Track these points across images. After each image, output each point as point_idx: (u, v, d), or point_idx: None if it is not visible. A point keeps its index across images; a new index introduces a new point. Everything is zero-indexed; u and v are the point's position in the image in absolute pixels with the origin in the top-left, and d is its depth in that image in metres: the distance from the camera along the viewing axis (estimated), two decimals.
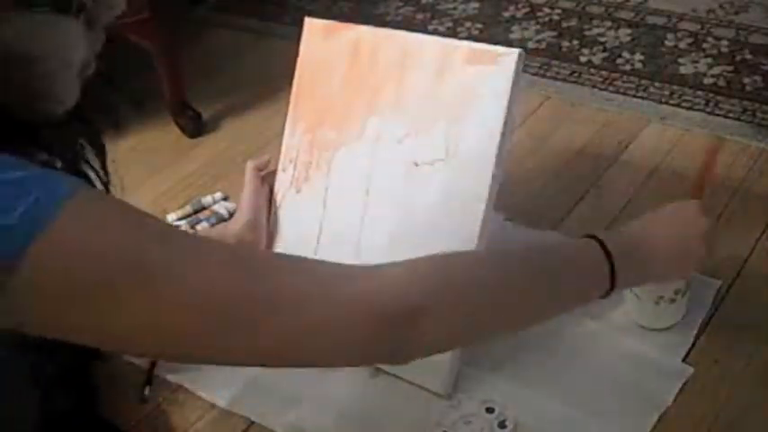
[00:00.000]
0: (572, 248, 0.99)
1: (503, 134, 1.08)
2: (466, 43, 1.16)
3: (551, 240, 1.37)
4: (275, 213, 1.28)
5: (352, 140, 1.22)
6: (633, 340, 1.18)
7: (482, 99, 1.10)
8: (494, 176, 1.09)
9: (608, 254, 0.96)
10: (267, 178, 1.30)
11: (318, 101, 1.25)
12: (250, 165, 1.28)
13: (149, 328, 0.69)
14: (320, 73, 1.25)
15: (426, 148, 1.15)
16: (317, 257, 1.24)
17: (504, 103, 1.08)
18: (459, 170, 1.12)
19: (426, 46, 1.16)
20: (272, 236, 1.28)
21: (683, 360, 1.15)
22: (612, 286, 0.97)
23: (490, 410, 1.11)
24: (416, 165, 1.16)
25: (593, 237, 0.98)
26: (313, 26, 1.27)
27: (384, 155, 1.19)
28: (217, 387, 1.19)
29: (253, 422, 1.15)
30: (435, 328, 0.81)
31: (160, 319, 0.69)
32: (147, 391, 1.19)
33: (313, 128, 1.26)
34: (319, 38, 1.26)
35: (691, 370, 1.13)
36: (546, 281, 0.93)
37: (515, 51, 1.08)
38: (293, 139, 1.28)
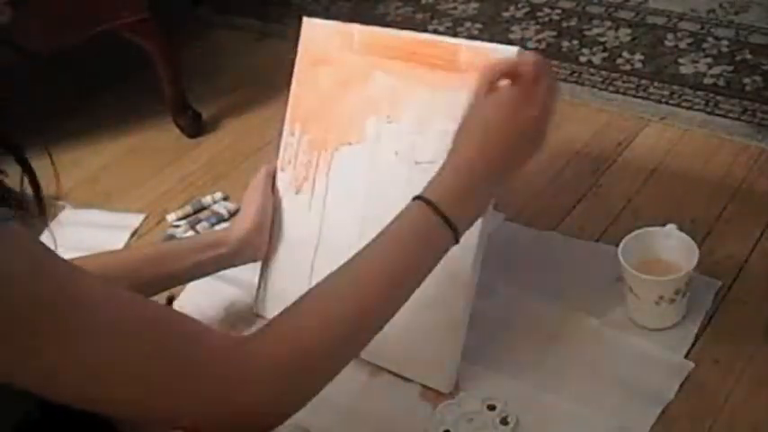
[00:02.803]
0: (408, 229, 0.94)
1: None
2: (465, 41, 1.16)
3: (555, 241, 1.37)
4: (275, 214, 1.28)
5: (352, 140, 1.22)
6: (634, 338, 1.19)
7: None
8: None
9: (445, 218, 0.93)
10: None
11: (317, 101, 1.25)
12: (263, 170, 1.27)
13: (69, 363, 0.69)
14: (318, 72, 1.25)
15: (426, 146, 1.15)
16: (316, 259, 1.25)
17: None
18: None
19: (425, 45, 1.16)
20: (271, 237, 1.27)
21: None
22: (457, 239, 0.95)
23: (492, 408, 1.12)
24: (417, 164, 1.16)
25: (422, 198, 0.94)
26: (311, 26, 1.27)
27: (384, 154, 1.19)
28: None
29: None
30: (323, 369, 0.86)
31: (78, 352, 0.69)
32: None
33: (312, 128, 1.26)
34: (317, 37, 1.26)
35: (691, 365, 1.14)
36: (400, 277, 0.92)
37: (514, 49, 1.08)
38: (292, 139, 1.28)
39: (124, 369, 0.72)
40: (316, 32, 1.26)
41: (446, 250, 0.96)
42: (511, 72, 0.98)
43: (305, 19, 1.28)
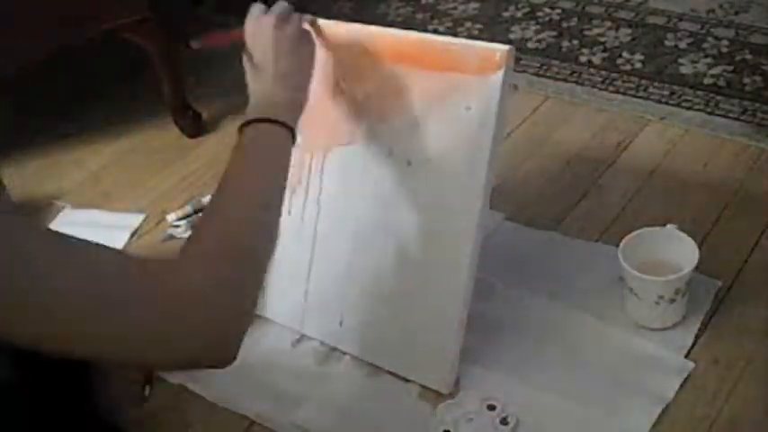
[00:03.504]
0: (242, 153, 1.01)
1: (496, 130, 1.08)
2: (457, 40, 1.16)
3: (555, 241, 1.37)
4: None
5: (344, 141, 1.22)
6: (634, 338, 1.19)
7: (474, 95, 1.09)
8: (488, 172, 1.09)
9: (263, 120, 1.03)
10: None
11: (310, 101, 1.25)
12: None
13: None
14: (315, 71, 1.24)
15: (419, 146, 1.15)
16: (313, 259, 1.25)
17: (497, 98, 1.08)
18: (453, 167, 1.12)
19: (419, 44, 1.16)
20: None
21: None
22: (293, 135, 1.04)
23: (491, 408, 1.12)
24: (409, 164, 1.16)
25: (241, 126, 1.04)
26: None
27: (377, 154, 1.18)
28: (217, 387, 1.19)
29: (253, 422, 1.15)
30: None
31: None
32: (147, 392, 1.19)
33: (304, 130, 1.25)
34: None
35: (691, 365, 1.14)
36: (260, 196, 0.97)
37: (505, 48, 1.08)
38: None
39: (66, 309, 0.76)
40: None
41: (288, 143, 1.03)
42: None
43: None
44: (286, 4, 1.14)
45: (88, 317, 0.76)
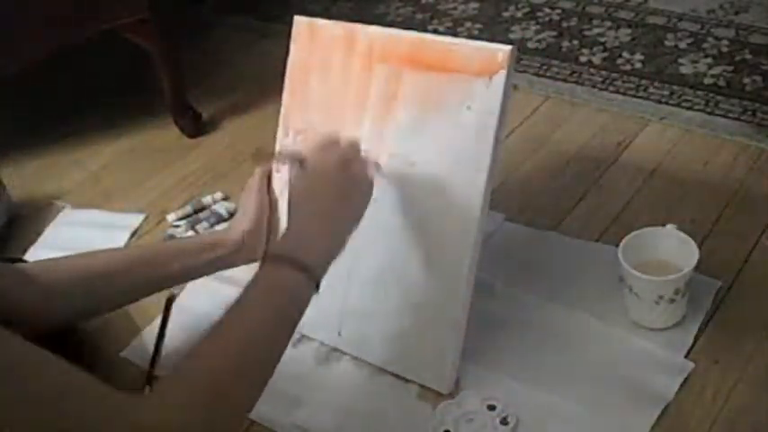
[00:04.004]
0: (262, 283, 0.96)
1: (497, 130, 1.08)
2: (458, 40, 1.16)
3: (555, 241, 1.37)
4: (272, 215, 1.28)
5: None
6: (634, 338, 1.19)
7: (476, 95, 1.09)
8: (490, 173, 1.09)
9: (292, 260, 0.96)
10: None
11: (311, 100, 1.25)
12: (258, 171, 1.28)
13: None
14: (312, 72, 1.25)
15: (421, 147, 1.15)
16: None
17: (499, 99, 1.08)
18: (454, 168, 1.12)
19: (420, 44, 1.16)
20: (269, 237, 1.27)
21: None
22: (317, 287, 0.98)
23: (492, 408, 1.12)
24: (411, 164, 1.15)
25: (275, 259, 0.97)
26: (302, 25, 1.26)
27: (379, 155, 1.18)
28: None
29: (253, 422, 1.15)
30: None
31: None
32: (147, 392, 1.19)
33: (306, 128, 1.26)
34: (310, 36, 1.25)
35: (691, 365, 1.14)
36: (276, 340, 0.94)
37: (507, 48, 1.08)
38: (286, 140, 1.28)
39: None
40: (307, 31, 1.25)
41: (308, 293, 0.97)
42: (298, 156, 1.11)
43: (295, 18, 1.27)
44: (358, 143, 1.10)
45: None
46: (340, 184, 1.04)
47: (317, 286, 0.98)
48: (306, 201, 1.04)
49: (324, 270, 0.99)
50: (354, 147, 1.10)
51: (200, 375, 0.85)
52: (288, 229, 1.03)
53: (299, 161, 1.10)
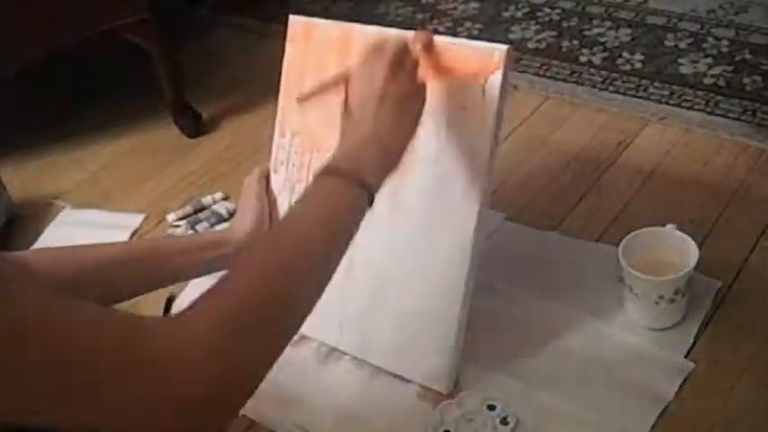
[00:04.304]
0: (321, 196, 0.92)
1: (495, 130, 1.08)
2: (455, 40, 1.16)
3: (555, 241, 1.37)
4: (272, 215, 1.28)
5: None
6: (634, 338, 1.19)
7: (473, 95, 1.09)
8: (487, 172, 1.09)
9: (348, 175, 0.92)
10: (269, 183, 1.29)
11: (305, 106, 1.24)
12: (257, 171, 1.28)
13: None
14: (307, 72, 1.24)
15: (418, 146, 1.14)
16: None
17: (496, 98, 1.08)
18: (452, 166, 1.12)
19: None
20: None
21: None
22: (371, 202, 0.94)
23: (491, 408, 1.12)
24: (408, 164, 1.15)
25: (330, 173, 0.93)
26: (298, 25, 1.26)
27: None
28: None
29: (253, 422, 1.15)
30: (245, 377, 0.77)
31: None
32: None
33: (303, 128, 1.26)
34: (305, 36, 1.25)
35: (692, 365, 1.14)
36: (324, 239, 0.89)
37: (504, 48, 1.08)
38: (283, 140, 1.28)
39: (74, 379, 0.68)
40: (302, 30, 1.25)
41: (363, 208, 0.94)
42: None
43: (291, 17, 1.27)
44: (406, 41, 1.04)
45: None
46: (391, 94, 0.99)
47: (371, 202, 0.94)
48: (358, 115, 1.00)
49: (378, 186, 0.95)
50: (402, 50, 1.03)
51: (237, 294, 0.78)
52: (341, 143, 0.99)
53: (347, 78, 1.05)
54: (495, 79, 1.07)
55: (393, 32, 1.14)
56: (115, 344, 0.71)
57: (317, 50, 1.24)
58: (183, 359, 0.72)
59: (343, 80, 1.05)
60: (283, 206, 1.27)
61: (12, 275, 0.74)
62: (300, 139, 1.26)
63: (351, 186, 0.92)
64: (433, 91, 1.12)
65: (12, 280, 0.73)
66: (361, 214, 0.93)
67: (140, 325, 0.74)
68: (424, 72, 1.09)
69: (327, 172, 0.93)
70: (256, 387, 0.78)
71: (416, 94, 1.03)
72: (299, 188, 1.25)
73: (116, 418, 0.70)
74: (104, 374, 0.69)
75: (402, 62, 1.02)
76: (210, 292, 0.78)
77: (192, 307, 0.76)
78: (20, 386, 0.66)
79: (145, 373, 0.70)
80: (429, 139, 1.13)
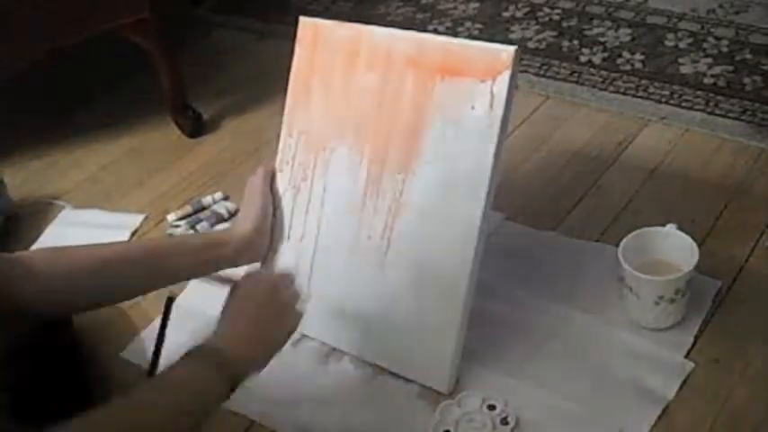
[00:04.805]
0: (177, 387, 0.95)
1: (502, 130, 1.08)
2: (462, 41, 1.16)
3: (555, 241, 1.37)
4: (275, 214, 1.28)
5: (349, 140, 1.22)
6: (634, 338, 1.19)
7: (480, 96, 1.10)
8: (492, 173, 1.09)
9: (226, 371, 0.96)
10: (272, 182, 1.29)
11: (314, 101, 1.25)
12: (261, 170, 1.28)
13: None
14: (316, 72, 1.25)
15: (424, 146, 1.15)
16: (315, 258, 1.24)
17: (503, 99, 1.08)
18: (457, 168, 1.12)
19: (423, 44, 1.16)
20: (272, 237, 1.27)
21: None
22: (233, 387, 0.97)
23: (492, 408, 1.12)
24: (413, 164, 1.15)
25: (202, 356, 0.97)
26: (307, 25, 1.27)
27: (381, 155, 1.18)
28: None
29: (253, 422, 1.15)
30: None
31: None
32: None
33: (309, 128, 1.26)
34: (314, 37, 1.25)
35: (691, 365, 1.14)
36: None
37: (512, 49, 1.08)
38: (290, 140, 1.28)
39: None
40: (312, 32, 1.26)
41: (223, 396, 0.96)
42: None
43: (301, 18, 1.27)
44: (292, 277, 1.12)
45: None
46: (267, 306, 1.06)
47: (233, 389, 0.97)
48: (237, 312, 1.05)
49: (243, 376, 0.99)
50: (286, 278, 1.11)
51: None
52: (217, 333, 1.03)
53: (232, 282, 1.11)
54: (503, 79, 1.08)
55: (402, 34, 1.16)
56: None
57: (324, 51, 1.24)
58: None
59: (230, 282, 1.10)
60: (287, 206, 1.27)
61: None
62: (306, 138, 1.26)
63: (216, 373, 0.95)
64: (441, 91, 1.12)
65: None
66: (219, 403, 0.96)
67: None
68: (433, 73, 1.10)
69: (198, 355, 0.96)
70: None
71: (293, 314, 1.08)
72: (304, 187, 1.26)
73: None
74: None
75: (284, 286, 1.09)
76: None
77: None
78: None
79: None
80: (436, 138, 1.13)
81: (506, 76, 1.08)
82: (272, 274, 1.11)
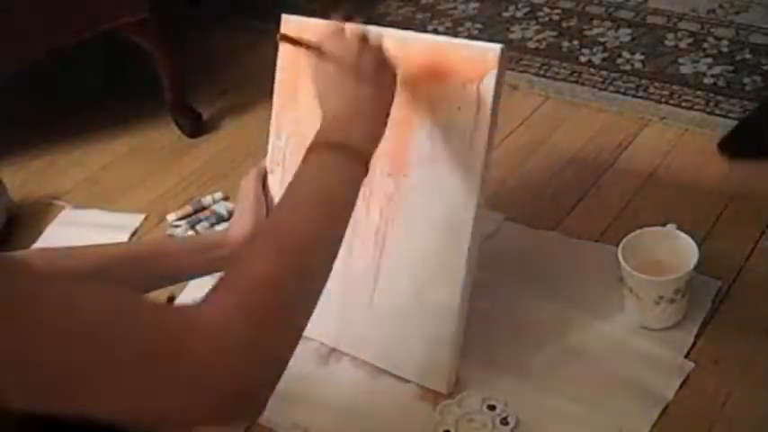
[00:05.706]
0: (308, 182, 0.92)
1: (489, 130, 1.08)
2: (448, 39, 1.15)
3: (555, 241, 1.37)
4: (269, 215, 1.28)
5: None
6: (634, 338, 1.19)
7: (467, 95, 1.09)
8: (483, 171, 1.09)
9: (351, 151, 0.93)
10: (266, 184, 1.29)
11: (301, 101, 1.24)
12: (254, 171, 1.28)
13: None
14: (301, 72, 1.24)
15: (414, 147, 1.14)
16: None
17: (490, 98, 1.07)
18: (448, 167, 1.11)
19: (409, 42, 1.14)
20: None
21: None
22: (367, 169, 0.95)
23: (492, 408, 1.12)
24: (405, 165, 1.15)
25: (319, 147, 0.94)
26: (290, 23, 1.24)
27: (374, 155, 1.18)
28: None
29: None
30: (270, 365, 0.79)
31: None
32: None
33: (297, 130, 1.25)
34: (298, 36, 1.24)
35: (691, 365, 1.14)
36: (327, 227, 0.90)
37: (498, 47, 1.07)
38: (279, 142, 1.28)
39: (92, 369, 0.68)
40: (295, 30, 1.24)
41: (357, 175, 0.94)
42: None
43: (283, 16, 1.26)
44: (367, 27, 1.06)
45: (88, 363, 0.67)
46: (366, 66, 1.01)
47: (366, 169, 0.94)
48: (335, 86, 1.01)
49: (371, 150, 0.96)
50: (365, 29, 1.05)
51: (250, 278, 0.78)
52: (324, 119, 0.99)
53: (317, 49, 1.06)
54: (490, 79, 1.07)
55: (388, 32, 1.14)
56: (143, 333, 0.71)
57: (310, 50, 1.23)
58: (210, 350, 0.72)
59: (318, 53, 1.05)
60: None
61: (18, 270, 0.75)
62: (295, 140, 1.25)
63: (342, 156, 0.93)
64: (428, 92, 1.12)
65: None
66: (358, 182, 0.94)
67: (168, 318, 0.74)
68: (419, 73, 1.09)
69: (316, 147, 0.94)
70: (281, 374, 0.79)
71: (387, 64, 1.04)
72: None
73: (141, 406, 0.70)
74: (126, 361, 0.69)
75: (366, 37, 1.03)
76: (224, 283, 0.78)
77: (208, 299, 0.76)
78: (53, 360, 0.66)
79: (170, 362, 0.70)
80: (424, 140, 1.13)
81: (493, 75, 1.06)
82: (354, 37, 1.02)
